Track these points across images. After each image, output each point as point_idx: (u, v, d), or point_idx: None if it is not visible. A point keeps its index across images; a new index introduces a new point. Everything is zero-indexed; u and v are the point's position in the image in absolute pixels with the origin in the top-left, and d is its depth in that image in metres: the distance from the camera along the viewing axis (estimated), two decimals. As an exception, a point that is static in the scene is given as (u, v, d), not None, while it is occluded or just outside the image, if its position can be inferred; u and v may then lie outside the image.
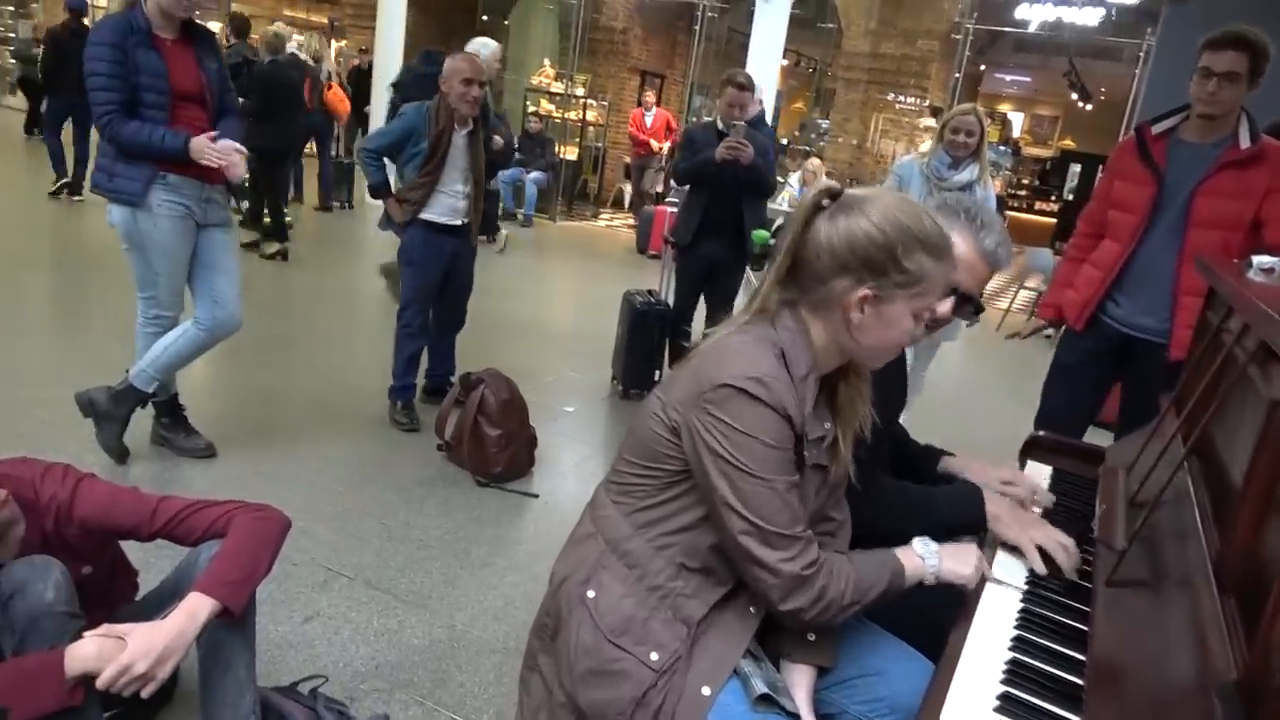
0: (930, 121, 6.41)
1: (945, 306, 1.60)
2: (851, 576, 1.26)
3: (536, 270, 7.14)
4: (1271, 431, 1.08)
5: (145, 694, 1.41)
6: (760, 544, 1.20)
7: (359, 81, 10.55)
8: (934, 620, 1.42)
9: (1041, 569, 1.46)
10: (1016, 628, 1.31)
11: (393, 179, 3.71)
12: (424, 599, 2.49)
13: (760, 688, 1.24)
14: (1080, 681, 1.19)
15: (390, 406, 3.71)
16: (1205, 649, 0.97)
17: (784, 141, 15.35)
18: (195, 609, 1.48)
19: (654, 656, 1.23)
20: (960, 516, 1.60)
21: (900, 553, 1.35)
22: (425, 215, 3.56)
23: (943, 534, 1.45)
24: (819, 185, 1.28)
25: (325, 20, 15.67)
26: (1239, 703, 0.86)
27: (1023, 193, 16.53)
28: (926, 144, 10.01)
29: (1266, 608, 0.88)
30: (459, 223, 3.63)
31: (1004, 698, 1.14)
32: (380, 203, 3.70)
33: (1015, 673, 1.19)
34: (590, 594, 1.29)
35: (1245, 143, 2.47)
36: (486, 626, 2.40)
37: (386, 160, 3.62)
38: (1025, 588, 1.43)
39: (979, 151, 3.92)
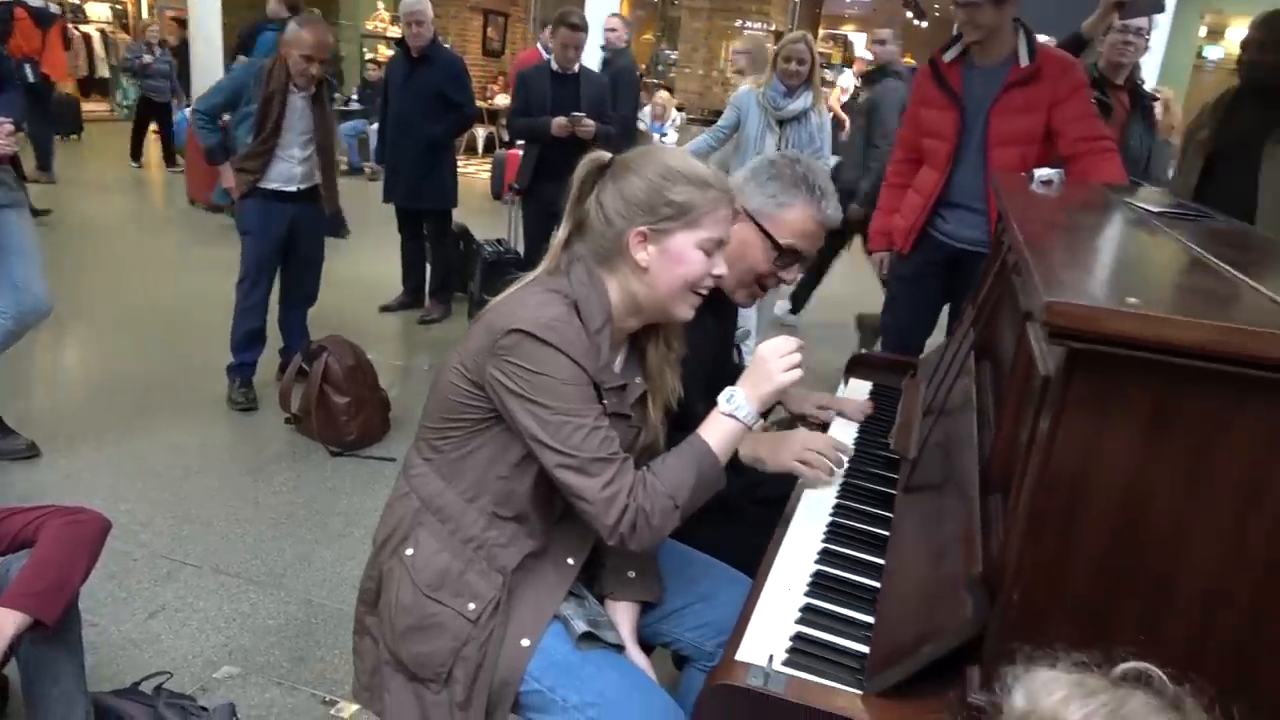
0: (741, 46, 6.53)
1: (791, 274, 1.72)
2: (658, 486, 1.20)
3: (382, 227, 6.88)
4: (1024, 340, 1.18)
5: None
6: (576, 474, 1.18)
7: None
8: (760, 542, 1.49)
9: (822, 477, 1.56)
10: (824, 541, 1.39)
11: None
12: (278, 578, 2.44)
13: (581, 627, 1.28)
14: (879, 585, 1.28)
15: (229, 385, 3.54)
16: (966, 547, 1.06)
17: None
18: (1, 624, 1.41)
19: (470, 607, 1.25)
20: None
21: (702, 430, 1.27)
22: (261, 183, 3.39)
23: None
24: (594, 152, 1.31)
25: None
26: (983, 593, 0.95)
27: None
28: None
29: (1008, 506, 0.97)
30: (295, 189, 3.46)
31: (806, 609, 1.21)
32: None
33: (819, 584, 1.28)
34: (409, 552, 1.30)
35: (1024, 60, 2.61)
36: (345, 597, 2.37)
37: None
38: (836, 501, 1.52)
39: (811, 79, 4.01)
